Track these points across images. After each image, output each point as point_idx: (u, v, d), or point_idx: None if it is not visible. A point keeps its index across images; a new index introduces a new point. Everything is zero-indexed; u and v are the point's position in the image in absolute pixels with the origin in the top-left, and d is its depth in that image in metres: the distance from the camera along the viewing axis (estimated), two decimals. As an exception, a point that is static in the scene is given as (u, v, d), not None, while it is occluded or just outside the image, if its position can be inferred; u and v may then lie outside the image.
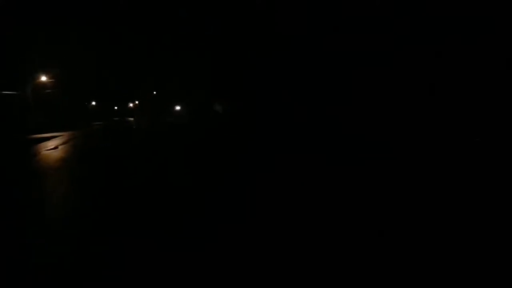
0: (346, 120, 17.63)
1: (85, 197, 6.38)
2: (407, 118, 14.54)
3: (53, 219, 5.24)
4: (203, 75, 36.43)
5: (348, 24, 17.43)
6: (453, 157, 9.22)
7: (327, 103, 19.48)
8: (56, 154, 12.87)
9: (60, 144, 16.55)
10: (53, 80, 37.74)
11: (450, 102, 13.03)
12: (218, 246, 4.14)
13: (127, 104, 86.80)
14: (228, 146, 12.85)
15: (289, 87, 22.55)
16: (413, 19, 14.31)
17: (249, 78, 27.10)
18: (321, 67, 19.76)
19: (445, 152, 9.87)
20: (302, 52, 20.97)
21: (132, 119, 67.85)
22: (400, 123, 14.65)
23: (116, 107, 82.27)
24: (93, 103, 63.62)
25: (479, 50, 12.16)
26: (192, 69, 38.56)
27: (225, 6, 28.74)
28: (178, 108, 57.84)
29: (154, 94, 67.08)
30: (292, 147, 12.13)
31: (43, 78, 36.35)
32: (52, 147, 15.51)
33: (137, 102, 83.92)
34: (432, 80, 13.86)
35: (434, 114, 13.51)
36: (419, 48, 14.20)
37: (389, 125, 15.10)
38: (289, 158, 9.67)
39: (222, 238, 4.39)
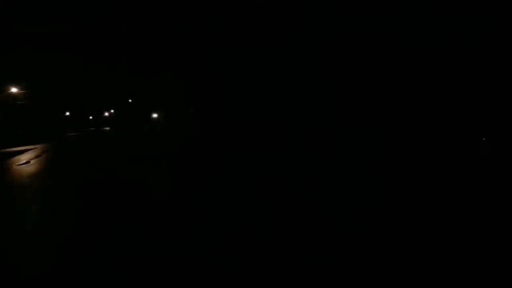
0: (344, 121, 17.61)
1: (58, 217, 5.89)
2: (407, 118, 14.53)
3: (19, 240, 4.82)
4: (182, 81, 36.14)
5: (348, 24, 17.42)
6: (454, 156, 9.22)
7: (326, 104, 19.46)
8: (28, 169, 12.49)
9: (33, 158, 16.06)
10: (24, 91, 36.33)
11: (450, 102, 13.02)
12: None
13: (103, 113, 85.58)
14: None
15: (288, 87, 22.53)
16: (413, 19, 14.30)
17: (241, 80, 27.01)
18: (321, 67, 19.74)
19: (446, 152, 9.87)
20: (302, 52, 20.95)
21: (108, 128, 66.62)
22: (401, 123, 14.63)
23: (91, 117, 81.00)
24: (67, 113, 62.39)
25: (479, 50, 12.16)
26: (170, 75, 38.26)
27: (225, 6, 28.70)
28: (155, 115, 57.62)
29: (130, 102, 66.18)
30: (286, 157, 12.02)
31: (14, 89, 35.06)
32: (24, 161, 15.03)
33: (112, 111, 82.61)
34: (432, 80, 13.85)
35: (435, 113, 13.50)
36: (419, 48, 14.19)
37: (390, 125, 15.08)
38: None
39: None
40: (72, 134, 49.32)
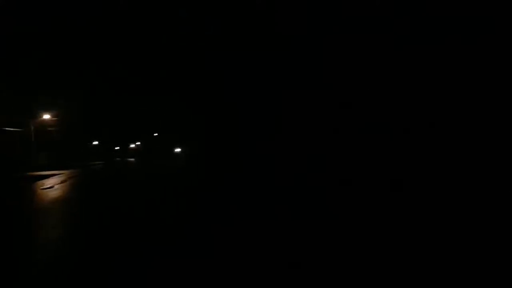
0: (345, 121, 17.62)
1: (74, 243, 5.54)
2: (407, 118, 14.54)
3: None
4: (201, 118, 36.85)
5: (348, 24, 17.42)
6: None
7: (326, 104, 19.46)
8: (51, 193, 12.63)
9: (57, 183, 16.21)
10: (56, 118, 37.96)
11: (451, 102, 13.03)
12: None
13: (129, 145, 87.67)
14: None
15: (288, 87, 22.52)
16: (413, 19, 14.30)
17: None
18: (321, 67, 19.73)
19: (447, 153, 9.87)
20: (302, 52, 20.95)
21: (133, 159, 68.19)
22: (401, 123, 14.64)
23: (117, 147, 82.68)
24: (95, 142, 64.00)
25: (479, 50, 12.16)
26: (191, 113, 39.18)
27: (225, 6, 28.70)
28: (178, 150, 59.93)
29: (156, 136, 68.69)
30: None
31: (46, 116, 36.70)
32: (49, 186, 15.18)
33: (138, 143, 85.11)
34: (432, 80, 13.86)
35: (435, 113, 13.50)
36: (419, 48, 14.19)
37: (390, 125, 15.09)
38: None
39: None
40: (98, 162, 50.16)
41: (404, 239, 4.25)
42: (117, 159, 67.96)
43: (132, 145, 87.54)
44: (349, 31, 17.39)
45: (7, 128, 31.38)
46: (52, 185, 15.46)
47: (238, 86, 29.47)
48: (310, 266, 3.70)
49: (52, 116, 37.51)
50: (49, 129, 38.53)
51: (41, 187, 14.51)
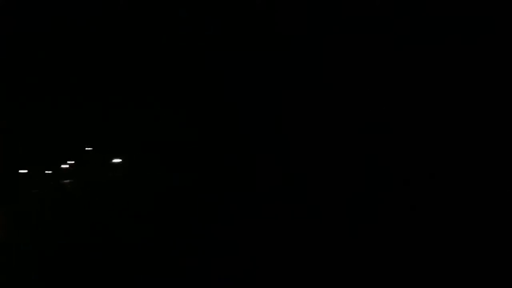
0: (344, 120, 17.59)
1: None
2: (407, 118, 14.54)
3: None
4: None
5: (348, 24, 17.42)
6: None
7: (326, 104, 19.43)
8: None
9: None
10: None
11: (451, 102, 13.03)
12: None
13: (60, 166, 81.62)
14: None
15: (288, 87, 22.49)
16: (413, 19, 14.31)
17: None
18: (321, 67, 19.72)
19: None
20: (302, 52, 20.93)
21: (68, 181, 63.73)
22: (401, 123, 14.64)
23: (49, 171, 77.14)
24: (24, 170, 58.65)
25: (479, 50, 12.15)
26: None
27: (225, 6, 28.65)
28: (118, 160, 52.79)
29: (91, 150, 61.64)
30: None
31: None
32: None
33: (72, 162, 78.36)
34: (432, 80, 13.85)
35: (435, 114, 13.50)
36: (419, 48, 14.19)
37: (390, 124, 15.09)
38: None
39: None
40: (29, 192, 45.87)
41: (403, 238, 4.25)
42: (51, 183, 63.12)
43: (65, 165, 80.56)
44: (349, 31, 17.40)
45: None
46: None
47: (238, 86, 29.41)
48: (310, 264, 3.70)
49: None
50: None
51: None
